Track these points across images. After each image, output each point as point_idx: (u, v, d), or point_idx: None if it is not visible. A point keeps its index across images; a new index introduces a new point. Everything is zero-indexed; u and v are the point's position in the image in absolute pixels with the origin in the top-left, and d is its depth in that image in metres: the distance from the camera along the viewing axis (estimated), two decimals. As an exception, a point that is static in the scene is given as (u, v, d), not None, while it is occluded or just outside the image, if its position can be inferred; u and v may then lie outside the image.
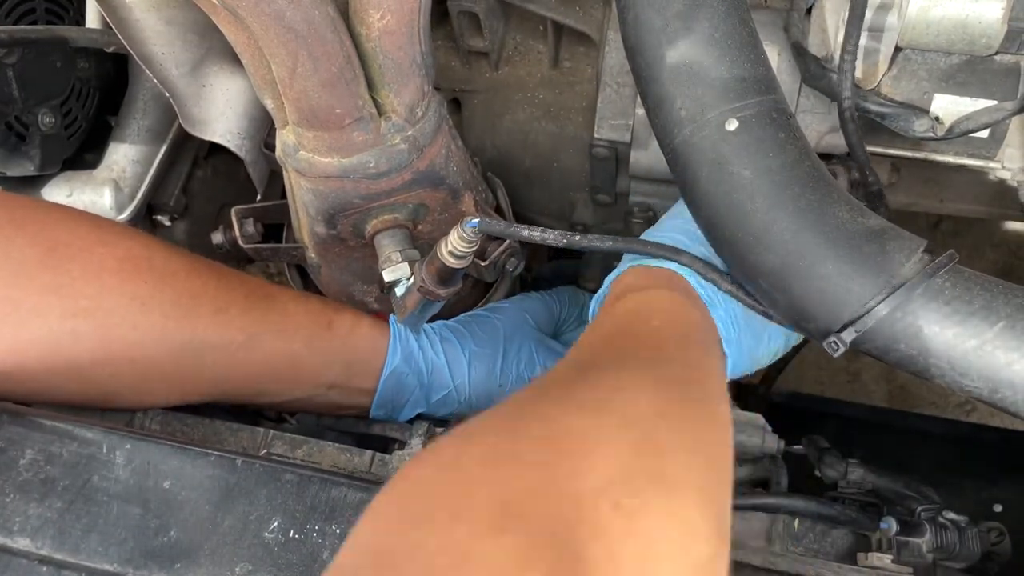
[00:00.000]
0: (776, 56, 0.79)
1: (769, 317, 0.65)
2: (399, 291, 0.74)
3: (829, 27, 0.76)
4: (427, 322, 0.81)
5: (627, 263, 0.69)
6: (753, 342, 0.68)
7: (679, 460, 0.45)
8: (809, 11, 0.77)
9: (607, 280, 0.70)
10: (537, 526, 0.38)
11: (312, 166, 0.69)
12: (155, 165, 0.98)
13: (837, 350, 0.59)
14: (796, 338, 0.73)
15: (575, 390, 0.49)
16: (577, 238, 0.66)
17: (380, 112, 0.67)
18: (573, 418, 0.45)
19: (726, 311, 0.66)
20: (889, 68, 0.75)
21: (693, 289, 0.66)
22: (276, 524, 0.59)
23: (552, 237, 0.66)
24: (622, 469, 0.42)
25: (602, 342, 0.59)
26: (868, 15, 0.73)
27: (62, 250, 0.67)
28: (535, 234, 0.67)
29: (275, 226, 0.90)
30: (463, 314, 0.88)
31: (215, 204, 1.10)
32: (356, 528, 0.40)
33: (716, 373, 0.61)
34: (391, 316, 0.81)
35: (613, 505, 0.40)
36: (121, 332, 0.68)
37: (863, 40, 0.74)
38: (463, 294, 0.86)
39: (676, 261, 0.66)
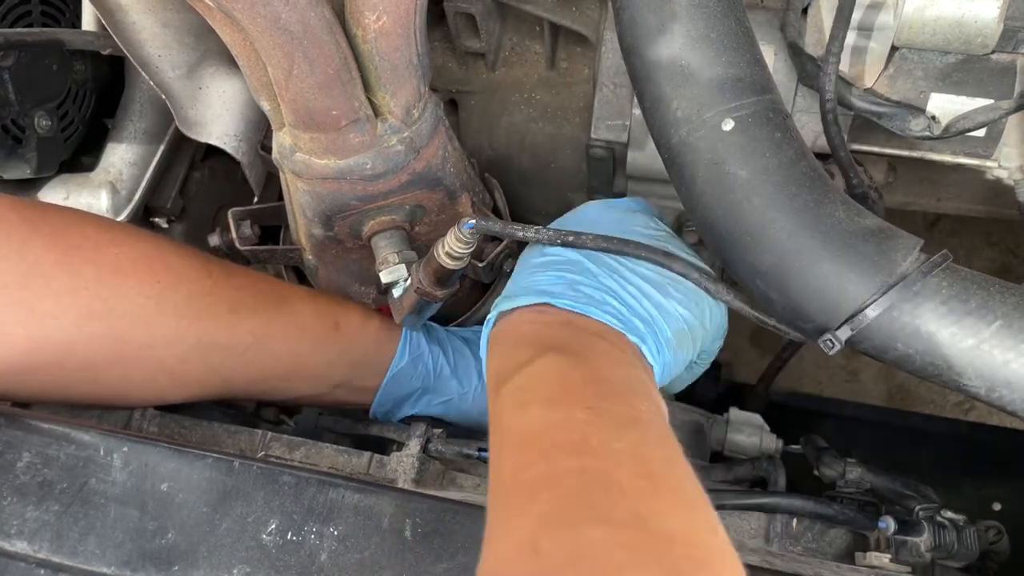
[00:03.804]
0: (772, 56, 0.79)
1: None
2: (396, 292, 0.74)
3: (825, 27, 0.76)
4: (443, 327, 0.81)
5: (493, 312, 0.66)
6: (682, 353, 0.67)
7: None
8: (805, 11, 0.77)
9: (483, 337, 0.67)
10: None
11: (309, 168, 0.69)
12: (152, 167, 0.98)
13: (832, 348, 0.59)
14: (718, 327, 0.72)
15: None
16: (571, 238, 0.66)
17: (376, 113, 0.67)
18: None
19: (655, 341, 0.64)
20: (885, 67, 0.75)
21: (579, 318, 0.63)
22: (274, 526, 0.59)
23: (547, 236, 0.66)
24: None
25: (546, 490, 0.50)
26: (861, 14, 0.73)
27: (75, 252, 0.67)
28: (530, 234, 0.67)
29: (272, 228, 0.90)
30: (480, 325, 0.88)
31: (212, 206, 1.10)
32: None
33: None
34: None
35: None
36: (135, 333, 0.68)
37: (860, 40, 0.74)
38: (461, 295, 0.86)
39: (668, 267, 0.65)
